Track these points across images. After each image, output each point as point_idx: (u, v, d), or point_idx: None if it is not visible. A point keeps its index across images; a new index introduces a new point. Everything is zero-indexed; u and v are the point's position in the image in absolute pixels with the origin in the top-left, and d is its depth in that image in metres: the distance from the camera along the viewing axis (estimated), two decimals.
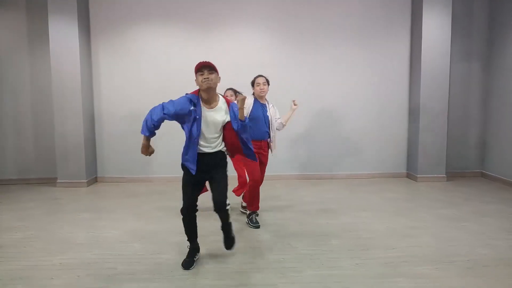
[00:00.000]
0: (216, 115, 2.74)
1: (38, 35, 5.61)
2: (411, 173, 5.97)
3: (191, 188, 2.82)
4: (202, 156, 2.76)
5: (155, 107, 2.71)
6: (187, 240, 2.98)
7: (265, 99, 3.89)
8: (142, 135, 2.72)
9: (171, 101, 2.72)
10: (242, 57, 5.75)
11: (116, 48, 5.74)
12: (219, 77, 2.75)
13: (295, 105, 3.93)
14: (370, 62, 5.91)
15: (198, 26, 5.74)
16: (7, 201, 4.81)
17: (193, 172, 2.73)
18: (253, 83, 3.85)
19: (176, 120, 2.74)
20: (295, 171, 6.02)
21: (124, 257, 3.06)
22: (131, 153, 5.68)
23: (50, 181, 5.75)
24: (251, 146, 2.93)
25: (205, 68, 2.65)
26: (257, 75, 3.86)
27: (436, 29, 5.56)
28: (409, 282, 2.63)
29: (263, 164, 3.93)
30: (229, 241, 2.99)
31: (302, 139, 5.98)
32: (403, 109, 6.04)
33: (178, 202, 2.99)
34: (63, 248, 3.24)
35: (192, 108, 2.67)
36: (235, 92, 4.20)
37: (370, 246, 3.27)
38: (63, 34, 5.31)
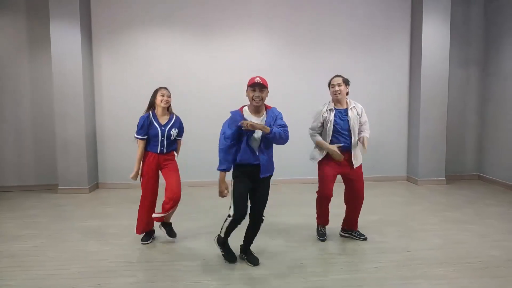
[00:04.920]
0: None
1: (39, 38, 5.53)
2: (411, 177, 6.09)
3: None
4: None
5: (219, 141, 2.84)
6: None
7: (347, 103, 3.37)
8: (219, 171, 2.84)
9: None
10: (242, 62, 5.77)
11: (117, 52, 5.69)
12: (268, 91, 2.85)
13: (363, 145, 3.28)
14: (370, 69, 6.03)
15: (199, 30, 5.74)
16: (9, 208, 4.70)
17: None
18: (329, 85, 3.37)
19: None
20: (298, 175, 6.05)
21: (139, 265, 3.04)
22: (131, 159, 5.60)
23: (51, 187, 5.65)
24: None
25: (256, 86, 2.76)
26: (334, 75, 3.37)
27: (436, 36, 5.72)
28: (429, 284, 2.69)
29: (351, 181, 3.39)
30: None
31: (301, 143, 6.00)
32: (403, 114, 6.17)
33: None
34: (78, 257, 3.20)
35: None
36: None
37: (385, 249, 3.33)
38: (65, 39, 5.25)
